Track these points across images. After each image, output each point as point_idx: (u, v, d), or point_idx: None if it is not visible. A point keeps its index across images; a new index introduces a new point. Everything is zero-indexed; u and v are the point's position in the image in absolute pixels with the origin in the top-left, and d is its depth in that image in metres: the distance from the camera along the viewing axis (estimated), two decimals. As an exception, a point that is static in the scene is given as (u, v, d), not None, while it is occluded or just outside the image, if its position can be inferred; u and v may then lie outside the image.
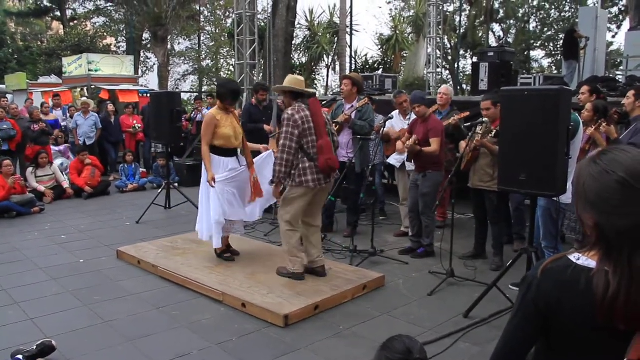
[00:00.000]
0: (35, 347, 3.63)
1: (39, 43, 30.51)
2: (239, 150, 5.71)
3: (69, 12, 29.94)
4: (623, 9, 25.28)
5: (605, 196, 1.30)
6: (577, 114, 4.91)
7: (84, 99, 13.35)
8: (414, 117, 6.33)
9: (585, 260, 1.37)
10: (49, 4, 29.68)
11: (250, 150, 5.68)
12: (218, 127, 5.40)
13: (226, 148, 5.47)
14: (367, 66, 24.29)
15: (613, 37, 26.23)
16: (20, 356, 3.54)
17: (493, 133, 5.52)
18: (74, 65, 17.20)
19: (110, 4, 28.48)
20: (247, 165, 5.53)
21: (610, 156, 1.33)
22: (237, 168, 5.50)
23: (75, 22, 29.86)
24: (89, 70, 16.19)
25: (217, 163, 5.43)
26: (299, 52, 25.73)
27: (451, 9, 26.54)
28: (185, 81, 34.29)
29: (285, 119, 4.86)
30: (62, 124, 12.30)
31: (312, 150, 4.84)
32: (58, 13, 29.88)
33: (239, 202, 5.50)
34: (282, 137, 4.83)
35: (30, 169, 9.43)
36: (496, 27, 30.25)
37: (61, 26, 30.21)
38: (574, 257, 1.39)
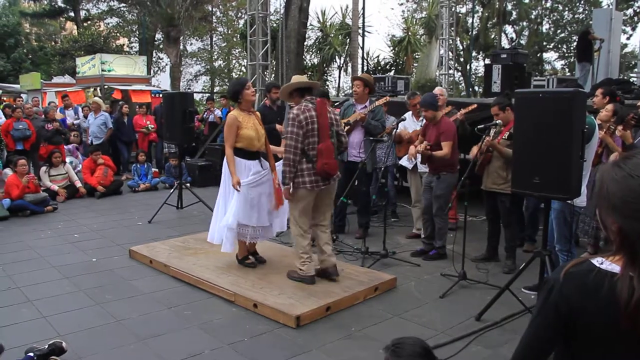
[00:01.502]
0: (47, 347, 3.65)
1: (53, 43, 30.80)
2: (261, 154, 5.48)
3: (82, 13, 30.17)
4: (638, 10, 25.10)
5: (629, 200, 1.28)
6: (592, 117, 4.87)
7: (96, 98, 13.43)
8: (426, 118, 6.31)
9: (609, 264, 1.35)
10: (63, 5, 29.91)
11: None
12: (240, 129, 5.17)
13: (249, 150, 5.24)
14: (379, 68, 24.23)
15: (628, 39, 26.05)
16: (32, 354, 3.57)
17: (506, 135, 5.50)
18: (87, 65, 17.30)
19: (124, 5, 28.68)
20: (270, 169, 5.33)
21: (635, 160, 1.32)
22: (261, 172, 5.27)
23: (89, 22, 30.08)
24: (102, 71, 16.28)
25: (240, 166, 5.20)
26: (311, 53, 25.72)
27: (463, 10, 26.47)
28: (197, 82, 34.51)
29: (290, 118, 4.81)
30: (75, 122, 12.39)
31: (312, 152, 4.79)
32: (72, 14, 30.11)
33: (264, 207, 5.28)
34: (287, 137, 4.80)
35: (43, 168, 9.50)
36: (509, 29, 30.14)
37: (75, 27, 30.45)
38: (597, 261, 1.38)
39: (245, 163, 5.23)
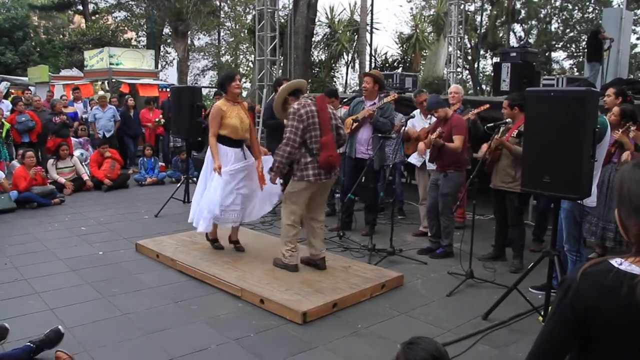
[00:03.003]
0: (44, 335, 3.67)
1: (61, 36, 30.82)
2: (245, 145, 5.75)
3: (91, 6, 30.19)
4: (648, 10, 24.90)
5: None
6: (604, 117, 4.83)
7: (101, 92, 13.44)
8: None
9: (628, 265, 1.33)
10: (71, -2, 29.96)
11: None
12: (224, 118, 5.49)
13: (231, 138, 5.51)
14: (387, 65, 24.15)
15: (638, 38, 25.89)
16: (29, 342, 3.58)
17: (515, 133, 5.48)
18: (95, 59, 17.34)
19: (132, -2, 28.69)
20: (254, 156, 5.65)
21: None
22: (243, 162, 5.55)
23: (97, 16, 30.11)
24: (110, 64, 16.32)
25: (222, 152, 5.48)
26: (318, 49, 25.68)
27: (472, 8, 26.35)
28: (204, 76, 34.49)
29: (290, 112, 4.91)
30: (84, 116, 12.42)
31: (315, 145, 4.90)
32: (80, 7, 30.13)
33: (243, 194, 5.54)
34: (286, 130, 4.89)
35: (51, 161, 9.52)
36: (517, 28, 29.99)
37: (83, 20, 30.48)
38: (615, 261, 1.36)
39: (227, 150, 5.50)
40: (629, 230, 1.33)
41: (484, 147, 5.66)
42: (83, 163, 10.21)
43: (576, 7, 27.92)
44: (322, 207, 5.38)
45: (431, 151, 6.01)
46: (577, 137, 3.89)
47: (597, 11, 26.35)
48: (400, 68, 23.87)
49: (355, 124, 6.56)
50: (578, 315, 1.38)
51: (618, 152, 5.14)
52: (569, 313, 1.40)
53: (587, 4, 27.55)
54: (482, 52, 27.19)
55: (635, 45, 25.59)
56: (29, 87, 16.43)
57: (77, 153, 10.34)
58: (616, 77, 10.88)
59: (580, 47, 26.04)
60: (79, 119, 12.10)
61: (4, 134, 9.38)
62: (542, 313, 4.28)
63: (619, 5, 22.25)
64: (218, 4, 29.89)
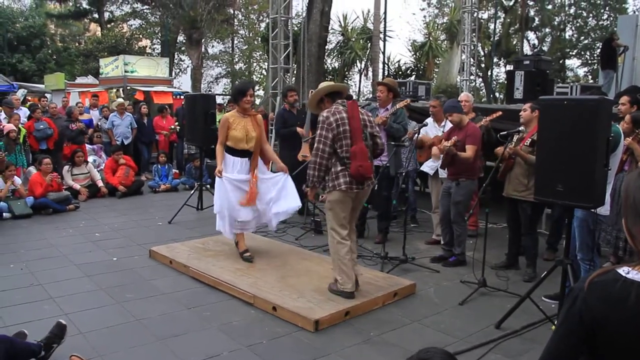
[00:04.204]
0: (48, 332, 3.71)
1: (77, 44, 31.20)
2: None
3: (106, 15, 30.57)
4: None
5: None
6: (618, 125, 4.81)
7: (120, 100, 13.57)
8: (449, 124, 6.29)
9: (636, 274, 1.34)
10: (87, 7, 30.33)
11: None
12: (230, 129, 5.70)
13: (235, 149, 5.73)
14: (400, 72, 24.20)
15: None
16: (34, 341, 3.62)
17: (528, 142, 5.47)
18: (110, 67, 17.53)
19: (147, 7, 28.96)
20: (264, 162, 5.86)
21: None
22: (245, 176, 5.72)
23: (112, 24, 30.47)
24: (125, 72, 16.48)
25: (227, 160, 5.76)
26: (332, 57, 25.79)
27: (485, 16, 26.34)
28: (217, 84, 34.69)
29: (320, 121, 4.70)
30: (99, 123, 12.55)
31: (346, 154, 4.63)
32: (96, 15, 30.53)
33: (251, 209, 5.72)
34: (316, 140, 4.70)
35: (66, 167, 9.63)
36: (531, 35, 29.90)
37: (99, 28, 30.85)
38: (623, 270, 1.36)
39: (232, 159, 5.74)
40: (635, 238, 1.34)
41: (499, 150, 5.67)
42: (96, 170, 10.30)
43: (590, 15, 27.80)
44: (352, 223, 4.98)
45: (444, 158, 6.01)
46: (590, 145, 3.89)
47: (611, 18, 26.21)
48: (414, 76, 23.91)
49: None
50: (586, 324, 1.38)
51: (630, 160, 5.11)
52: (576, 322, 1.40)
53: (602, 11, 27.43)
54: (495, 59, 27.13)
55: (651, 53, 25.37)
56: (45, 95, 16.65)
57: (90, 159, 10.44)
58: (631, 84, 10.80)
59: (595, 55, 25.89)
60: (94, 126, 12.23)
61: (21, 140, 9.50)
62: (555, 322, 4.25)
63: (635, 12, 22.14)
64: (232, 12, 30.09)
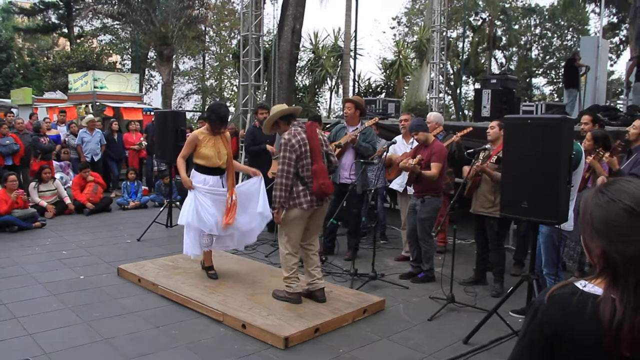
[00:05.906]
0: None
1: (45, 59, 30.78)
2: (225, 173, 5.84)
3: (76, 29, 30.26)
4: (624, 39, 25.54)
5: (612, 224, 1.33)
6: (579, 143, 4.95)
7: (90, 116, 13.43)
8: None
9: (592, 287, 1.39)
10: (56, 21, 29.99)
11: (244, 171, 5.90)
12: (199, 147, 5.66)
13: (207, 167, 5.68)
14: (370, 90, 24.42)
15: (611, 65, 26.48)
16: None
17: (494, 159, 5.57)
18: (79, 82, 17.35)
19: (117, 23, 28.77)
20: (227, 188, 5.71)
21: (616, 186, 1.37)
22: (219, 189, 5.68)
23: (82, 39, 30.16)
24: (95, 87, 16.33)
25: (199, 178, 5.67)
26: (302, 74, 25.88)
27: (454, 35, 26.82)
28: (188, 100, 34.62)
29: (282, 144, 4.87)
30: (67, 139, 12.38)
31: (306, 173, 4.87)
32: (65, 30, 30.18)
33: (214, 217, 5.59)
34: (279, 162, 4.86)
35: (32, 184, 9.46)
36: (498, 54, 30.58)
37: (68, 43, 30.51)
38: (580, 284, 1.41)
39: (205, 177, 5.68)
40: (592, 252, 1.39)
41: (466, 169, 5.77)
42: (63, 187, 10.14)
43: (555, 35, 28.60)
44: (316, 235, 5.30)
45: (409, 176, 6.09)
46: (553, 163, 4.00)
47: (575, 39, 26.98)
48: (384, 93, 24.13)
49: (337, 150, 6.62)
50: (546, 336, 1.42)
51: (592, 178, 5.25)
52: (537, 335, 1.44)
53: (566, 32, 28.22)
54: (464, 78, 27.63)
55: (612, 72, 26.16)
56: (12, 110, 16.37)
57: (57, 176, 10.28)
58: (594, 103, 11.11)
59: (560, 74, 26.57)
60: (61, 142, 12.06)
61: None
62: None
63: (596, 34, 22.82)
64: (203, 28, 30.10)
